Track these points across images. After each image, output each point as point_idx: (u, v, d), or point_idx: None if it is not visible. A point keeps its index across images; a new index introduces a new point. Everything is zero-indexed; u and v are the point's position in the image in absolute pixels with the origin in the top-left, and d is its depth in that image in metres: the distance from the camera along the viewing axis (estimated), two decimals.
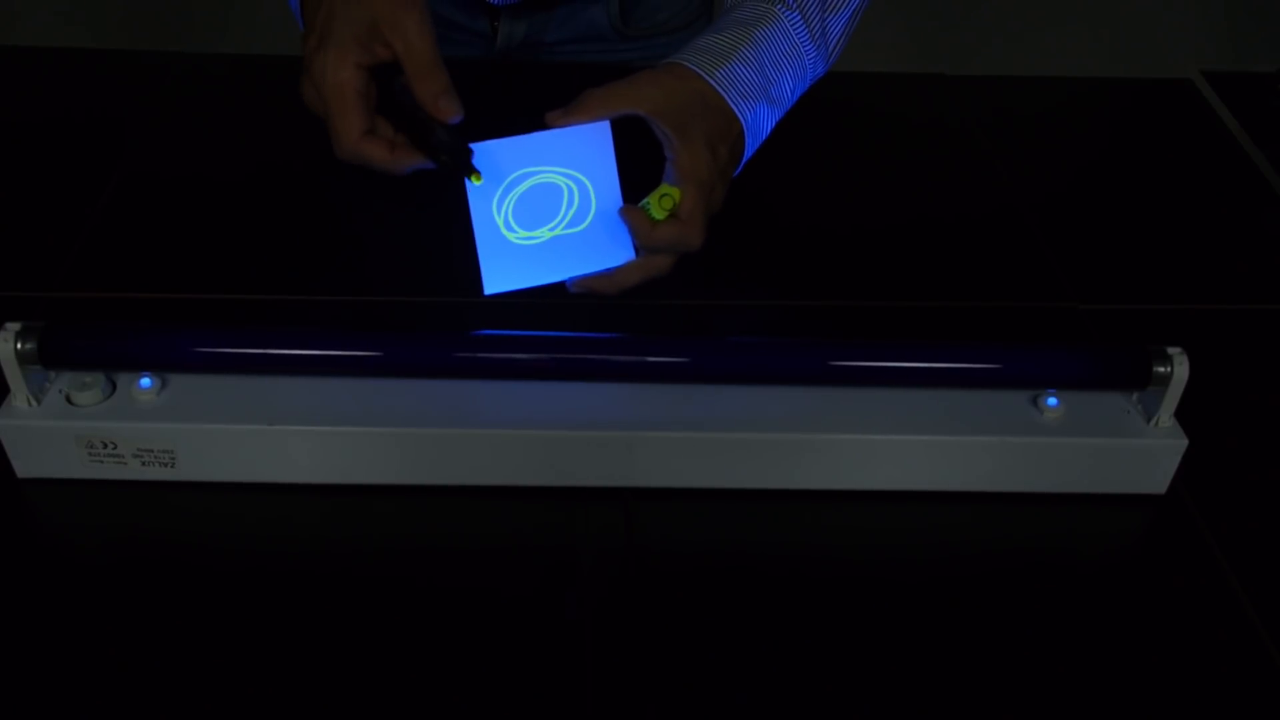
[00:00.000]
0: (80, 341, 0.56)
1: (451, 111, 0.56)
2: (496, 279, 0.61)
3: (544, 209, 0.61)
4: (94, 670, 0.49)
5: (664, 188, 0.61)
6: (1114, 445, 0.58)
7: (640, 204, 0.61)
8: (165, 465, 0.57)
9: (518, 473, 0.58)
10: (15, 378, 0.55)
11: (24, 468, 0.57)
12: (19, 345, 0.54)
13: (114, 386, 0.57)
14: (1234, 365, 0.69)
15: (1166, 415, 0.59)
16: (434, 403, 0.57)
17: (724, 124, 0.62)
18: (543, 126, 0.60)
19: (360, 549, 0.56)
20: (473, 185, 0.59)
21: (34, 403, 0.56)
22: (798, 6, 0.65)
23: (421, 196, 0.78)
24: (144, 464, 0.57)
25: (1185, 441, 0.58)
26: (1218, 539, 0.58)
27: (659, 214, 0.60)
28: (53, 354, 0.55)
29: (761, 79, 0.64)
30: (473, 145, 0.59)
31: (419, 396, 0.58)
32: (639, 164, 0.62)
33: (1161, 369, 0.57)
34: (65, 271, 0.70)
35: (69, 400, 0.56)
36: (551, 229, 0.61)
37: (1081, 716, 0.50)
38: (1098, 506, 0.60)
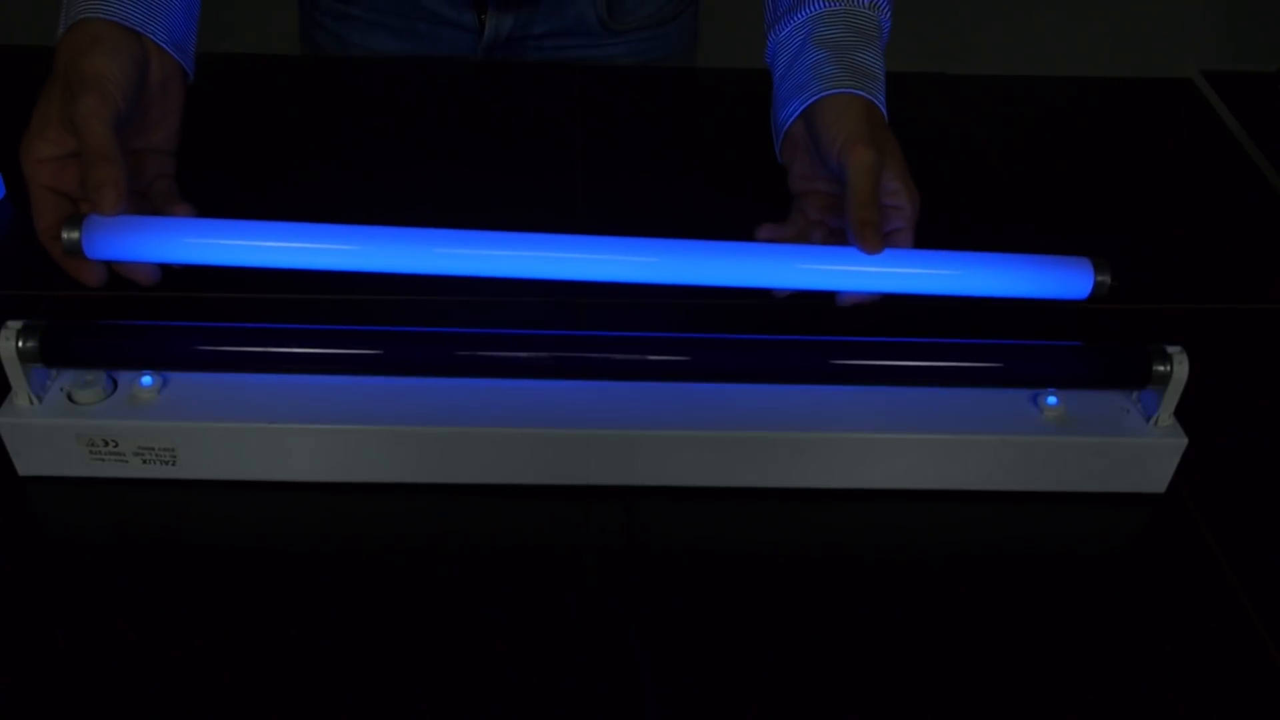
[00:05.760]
0: (81, 340, 0.56)
1: (106, 206, 0.54)
2: None
3: None
4: (95, 668, 0.49)
5: None
6: (1114, 444, 0.58)
7: None
8: (166, 463, 0.57)
9: (518, 471, 0.58)
10: (17, 376, 0.55)
11: (25, 466, 0.57)
12: (20, 343, 0.54)
13: (115, 385, 0.57)
14: (1234, 365, 0.69)
15: (1166, 414, 0.59)
16: (435, 401, 0.57)
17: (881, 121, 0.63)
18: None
19: (360, 547, 0.56)
20: None
21: (35, 401, 0.56)
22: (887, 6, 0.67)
23: (423, 195, 0.79)
24: (145, 462, 0.57)
25: (1185, 440, 0.59)
26: (1218, 538, 0.58)
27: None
28: (54, 352, 0.55)
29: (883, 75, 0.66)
30: None
31: (419, 395, 0.58)
32: None
33: (1161, 368, 0.57)
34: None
35: (70, 398, 0.56)
36: None
37: (1081, 716, 0.50)
38: (1097, 506, 0.60)
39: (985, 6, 1.96)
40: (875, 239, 0.58)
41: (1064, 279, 0.60)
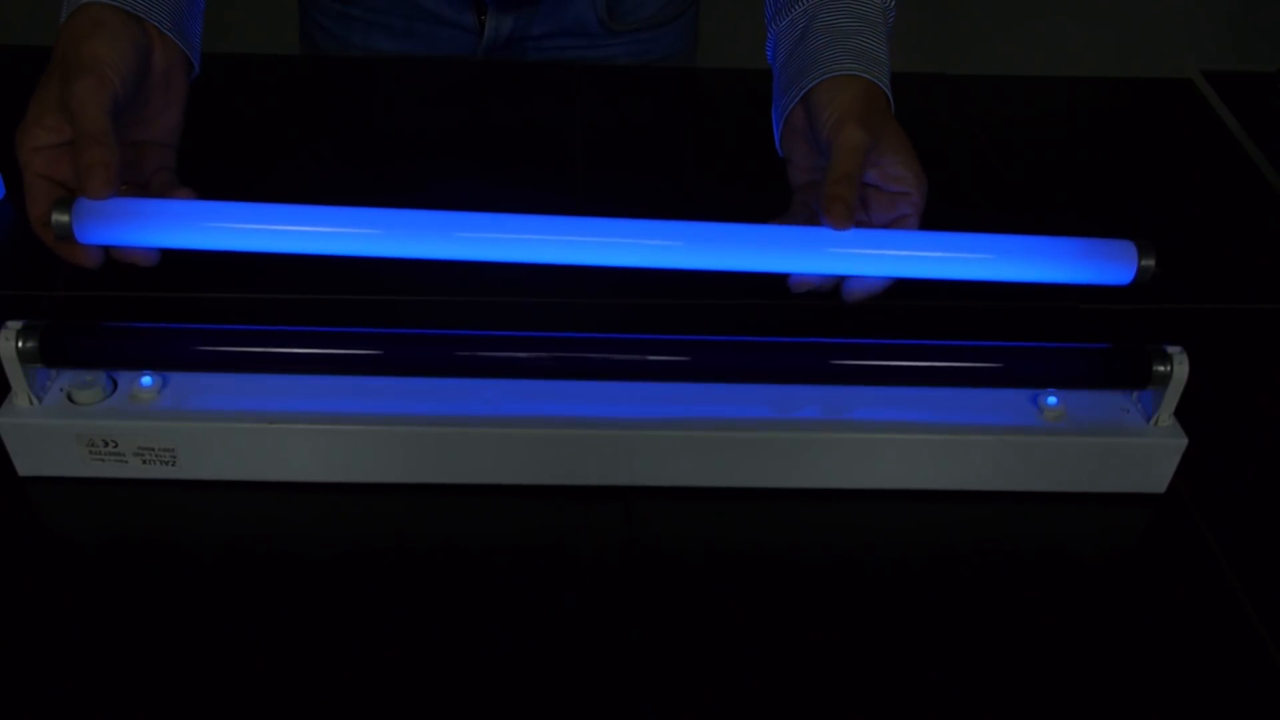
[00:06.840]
0: (81, 340, 0.56)
1: (95, 188, 0.53)
2: None
3: None
4: (95, 669, 0.49)
5: None
6: (1113, 444, 0.58)
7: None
8: (166, 464, 0.57)
9: (518, 471, 0.58)
10: (16, 376, 0.55)
11: (25, 466, 0.57)
12: (20, 344, 0.54)
13: (115, 385, 0.57)
14: (1234, 365, 0.69)
15: (1166, 414, 0.59)
16: (435, 401, 0.57)
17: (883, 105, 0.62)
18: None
19: (360, 548, 0.56)
20: None
21: (35, 401, 0.56)
22: None
23: (422, 195, 0.79)
24: (145, 462, 0.57)
25: (1185, 441, 0.59)
26: (1218, 539, 0.58)
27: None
28: (54, 352, 0.55)
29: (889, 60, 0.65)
30: None
31: (420, 395, 0.58)
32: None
33: (1161, 368, 0.57)
34: (67, 270, 0.70)
35: (70, 399, 0.56)
36: None
37: (1081, 716, 0.50)
38: (1097, 506, 0.60)
39: (986, 7, 1.96)
40: (843, 215, 0.55)
41: (1105, 263, 0.58)
